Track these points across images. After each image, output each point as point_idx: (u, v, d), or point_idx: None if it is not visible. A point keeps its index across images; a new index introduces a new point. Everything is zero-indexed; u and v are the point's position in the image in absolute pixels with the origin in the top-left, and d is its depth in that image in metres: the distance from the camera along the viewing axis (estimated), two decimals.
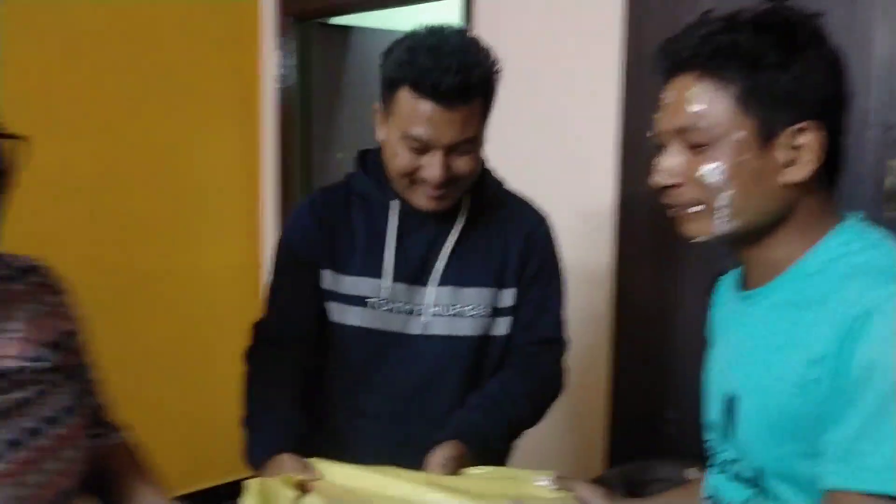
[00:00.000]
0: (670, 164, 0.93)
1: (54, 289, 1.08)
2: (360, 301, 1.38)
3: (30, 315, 1.01)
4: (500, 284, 1.41)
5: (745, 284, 1.00)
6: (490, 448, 1.31)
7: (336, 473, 1.13)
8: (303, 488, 1.08)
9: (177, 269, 3.17)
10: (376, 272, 1.37)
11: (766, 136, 0.89)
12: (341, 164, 3.66)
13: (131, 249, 3.02)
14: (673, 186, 0.94)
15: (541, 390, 1.43)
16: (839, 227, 0.92)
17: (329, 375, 1.43)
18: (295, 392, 1.35)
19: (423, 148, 1.26)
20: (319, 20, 3.35)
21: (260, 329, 1.43)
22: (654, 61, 0.96)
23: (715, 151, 0.90)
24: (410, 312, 1.38)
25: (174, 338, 3.16)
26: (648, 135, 1.00)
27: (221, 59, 3.25)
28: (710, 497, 1.03)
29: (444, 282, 1.38)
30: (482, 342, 1.41)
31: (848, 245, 0.90)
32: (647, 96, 2.00)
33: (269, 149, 3.39)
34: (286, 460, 1.15)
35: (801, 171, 0.89)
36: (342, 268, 1.39)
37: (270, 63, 3.32)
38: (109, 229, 2.98)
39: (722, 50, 0.88)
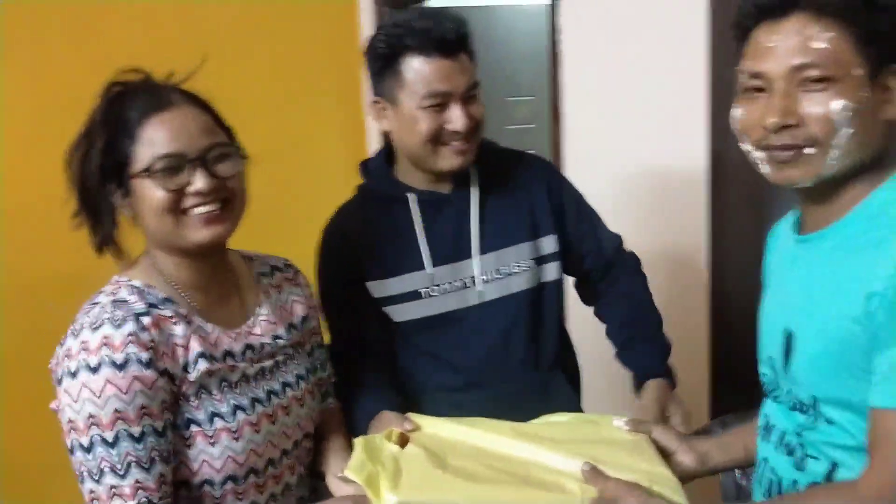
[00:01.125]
0: (788, 103, 0.94)
1: (295, 282, 1.36)
2: (413, 295, 1.44)
3: (275, 303, 1.29)
4: (535, 235, 1.47)
5: (803, 229, 1.05)
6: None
7: (431, 425, 1.22)
8: (403, 443, 1.17)
9: (287, 242, 3.38)
10: (417, 264, 1.43)
11: (875, 75, 0.92)
12: None
13: (249, 232, 3.26)
14: (789, 126, 0.94)
15: (643, 281, 1.60)
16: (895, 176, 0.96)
17: (403, 360, 1.50)
18: (385, 380, 1.46)
19: (442, 104, 1.34)
20: (413, 4, 3.49)
21: (334, 355, 1.47)
22: (752, 1, 0.98)
23: (838, 89, 0.92)
24: (464, 287, 1.44)
25: None
26: (744, 79, 1.00)
27: (324, 46, 3.43)
28: (763, 426, 1.11)
29: (484, 250, 1.44)
30: (536, 292, 1.48)
31: None
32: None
33: (372, 125, 3.54)
34: (386, 415, 1.28)
35: (894, 109, 0.93)
36: (384, 273, 1.44)
37: None
38: None
39: None
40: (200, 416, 1.12)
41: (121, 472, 1.05)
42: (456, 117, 1.35)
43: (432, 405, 1.43)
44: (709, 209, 2.28)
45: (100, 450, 1.05)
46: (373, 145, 3.55)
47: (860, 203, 0.96)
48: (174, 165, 1.09)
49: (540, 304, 1.49)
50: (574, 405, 1.50)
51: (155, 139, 1.09)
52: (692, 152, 2.28)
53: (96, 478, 1.06)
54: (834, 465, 0.98)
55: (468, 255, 1.44)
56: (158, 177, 1.09)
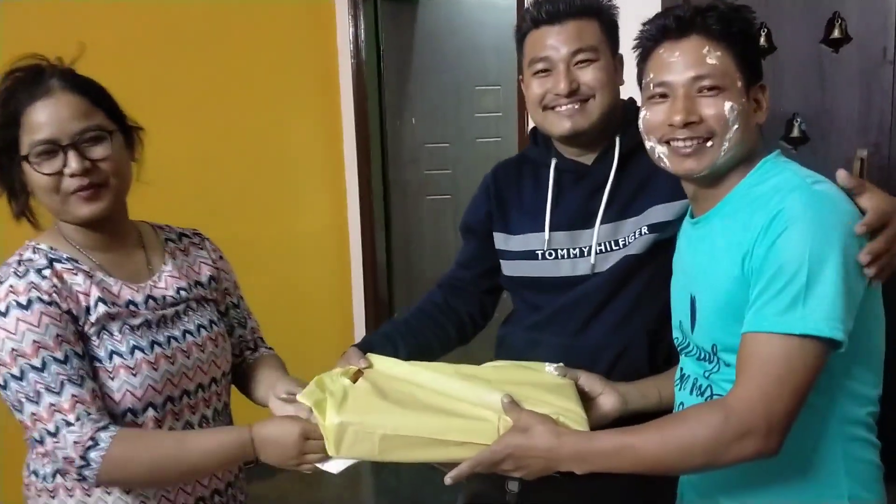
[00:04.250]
0: (690, 104, 1.15)
1: (201, 247, 1.51)
2: (529, 255, 1.50)
3: (181, 263, 1.44)
4: (666, 198, 1.41)
5: (695, 214, 1.26)
6: None
7: (384, 364, 1.37)
8: (356, 379, 1.31)
9: (272, 234, 3.52)
10: (539, 227, 1.49)
11: (747, 87, 1.16)
12: (415, 129, 3.94)
13: (230, 220, 3.38)
14: (693, 123, 1.15)
15: None
16: (763, 161, 1.19)
17: (511, 321, 1.60)
18: (422, 321, 1.60)
19: (547, 69, 1.41)
20: None
21: (441, 280, 1.69)
22: (655, 26, 1.20)
23: (726, 95, 1.14)
24: (578, 255, 1.46)
25: (272, 296, 3.51)
26: (649, 88, 1.21)
27: (301, 40, 3.54)
28: (679, 378, 1.30)
29: (605, 220, 1.45)
30: (643, 264, 1.43)
31: (768, 173, 1.17)
32: None
33: (347, 119, 3.68)
34: (350, 352, 1.41)
35: (763, 115, 1.18)
36: (511, 229, 1.53)
37: (345, 40, 3.59)
38: (209, 203, 3.34)
39: (729, 21, 1.15)
40: (101, 353, 1.25)
41: (56, 391, 1.19)
42: (556, 80, 1.40)
43: (512, 339, 1.55)
44: None
45: (32, 375, 1.19)
46: (349, 132, 3.68)
47: (734, 189, 1.18)
48: (49, 150, 1.21)
49: (646, 278, 1.44)
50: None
51: (33, 126, 1.21)
52: None
53: (35, 400, 1.19)
54: None
55: (591, 226, 1.46)
56: (37, 162, 1.21)
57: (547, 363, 1.38)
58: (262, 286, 3.52)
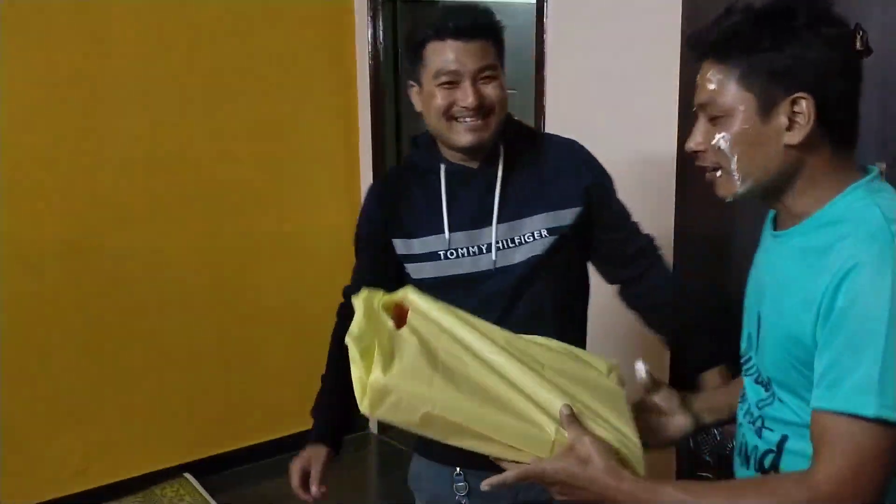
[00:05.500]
0: (696, 133, 1.10)
1: None
2: (431, 256, 1.58)
3: None
4: (557, 206, 1.55)
5: (777, 226, 1.16)
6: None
7: (426, 305, 1.25)
8: (399, 317, 1.21)
9: (286, 233, 3.53)
10: (438, 228, 1.57)
11: (767, 107, 1.03)
12: None
13: (245, 218, 3.40)
14: (698, 152, 1.10)
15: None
16: (852, 187, 1.05)
17: None
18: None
19: (454, 82, 1.49)
20: None
21: (345, 292, 1.73)
22: (688, 49, 1.13)
23: (725, 123, 1.05)
24: (478, 253, 1.56)
25: (285, 294, 3.53)
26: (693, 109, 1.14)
27: (319, 40, 3.55)
28: (742, 394, 1.23)
29: (501, 219, 1.55)
30: (547, 262, 1.55)
31: (854, 202, 1.04)
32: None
33: (364, 120, 3.68)
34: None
35: (797, 134, 1.02)
36: (409, 233, 1.59)
37: (363, 41, 3.59)
38: (225, 200, 3.36)
39: (727, 39, 1.04)
40: None
41: None
42: (464, 95, 1.48)
43: None
44: (677, 201, 2.43)
45: None
46: (365, 132, 3.69)
47: (816, 211, 1.06)
48: None
49: (550, 275, 1.57)
50: None
51: None
52: (664, 147, 2.42)
53: None
54: (784, 437, 1.10)
55: (487, 224, 1.56)
56: None
57: (598, 360, 1.31)
58: (275, 283, 3.55)
